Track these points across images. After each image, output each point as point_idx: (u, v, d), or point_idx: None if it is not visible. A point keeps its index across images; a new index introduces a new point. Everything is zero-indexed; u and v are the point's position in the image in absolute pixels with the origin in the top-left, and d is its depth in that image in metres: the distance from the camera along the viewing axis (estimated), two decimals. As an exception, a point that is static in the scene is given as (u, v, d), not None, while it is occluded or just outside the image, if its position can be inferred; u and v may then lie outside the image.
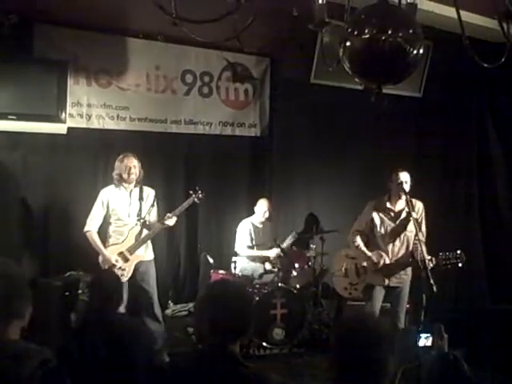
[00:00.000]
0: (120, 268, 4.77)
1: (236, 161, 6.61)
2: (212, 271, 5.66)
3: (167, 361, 4.27)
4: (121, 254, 4.83)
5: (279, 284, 5.47)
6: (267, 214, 6.10)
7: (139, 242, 4.90)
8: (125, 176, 4.83)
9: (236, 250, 6.00)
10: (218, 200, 6.41)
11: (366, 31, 2.17)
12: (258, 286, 5.55)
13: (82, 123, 5.56)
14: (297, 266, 5.72)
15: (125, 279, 4.73)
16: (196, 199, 5.14)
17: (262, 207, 6.09)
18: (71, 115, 5.38)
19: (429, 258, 4.40)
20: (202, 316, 2.17)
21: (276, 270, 5.72)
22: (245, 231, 6.03)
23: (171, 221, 4.93)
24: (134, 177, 4.87)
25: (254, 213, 6.13)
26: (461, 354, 2.37)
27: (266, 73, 6.63)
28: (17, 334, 2.17)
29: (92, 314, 3.09)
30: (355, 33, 2.22)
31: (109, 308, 2.94)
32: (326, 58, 2.91)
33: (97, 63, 5.58)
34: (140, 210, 4.94)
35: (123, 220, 4.89)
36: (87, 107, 5.59)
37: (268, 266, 5.99)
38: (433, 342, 2.68)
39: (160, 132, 6.05)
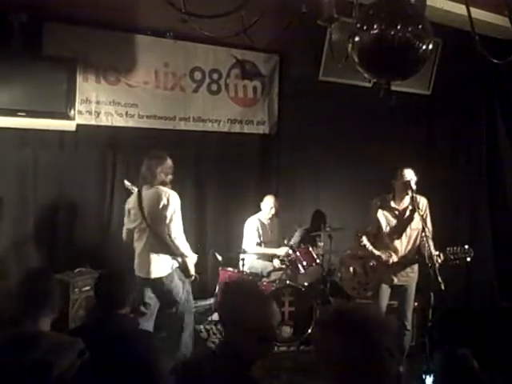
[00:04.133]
0: None
1: (244, 158, 6.59)
2: (220, 269, 5.68)
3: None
4: None
5: (287, 282, 5.46)
6: (273, 211, 6.09)
7: None
8: None
9: (244, 247, 6.00)
10: (225, 197, 6.41)
11: (375, 26, 2.16)
12: (266, 283, 5.55)
13: (90, 120, 5.57)
14: (305, 263, 5.71)
15: None
16: None
17: (268, 204, 6.08)
18: (80, 112, 5.39)
19: (436, 253, 4.38)
20: None
21: (284, 267, 5.71)
22: (252, 228, 6.02)
23: None
24: None
25: (261, 210, 6.13)
26: (470, 352, 2.35)
27: (275, 70, 6.61)
28: (48, 326, 2.48)
29: (94, 312, 3.06)
30: (364, 28, 2.21)
31: (113, 307, 2.82)
32: (335, 54, 2.91)
33: (106, 60, 5.58)
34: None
35: None
36: (96, 104, 5.60)
37: (276, 262, 5.97)
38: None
39: (169, 129, 6.04)
